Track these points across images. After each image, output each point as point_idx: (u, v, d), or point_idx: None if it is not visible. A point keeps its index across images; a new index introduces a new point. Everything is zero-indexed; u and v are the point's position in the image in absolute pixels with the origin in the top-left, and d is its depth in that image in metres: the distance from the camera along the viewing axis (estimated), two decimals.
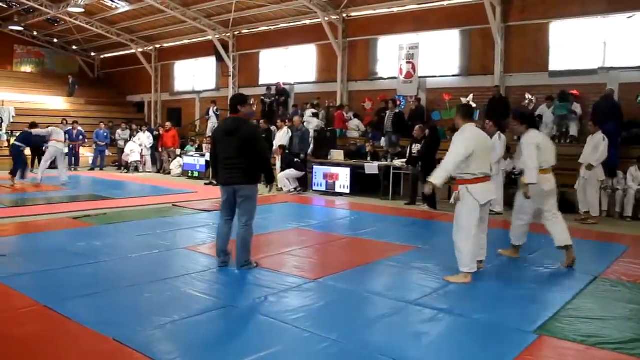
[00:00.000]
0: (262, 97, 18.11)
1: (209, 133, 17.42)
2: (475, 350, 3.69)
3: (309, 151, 13.94)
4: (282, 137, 13.85)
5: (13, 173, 12.93)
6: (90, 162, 18.90)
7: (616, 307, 4.62)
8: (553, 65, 13.26)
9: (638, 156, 10.30)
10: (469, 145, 5.17)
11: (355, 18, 17.02)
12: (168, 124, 18.61)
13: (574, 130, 12.41)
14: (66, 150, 15.44)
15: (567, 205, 10.23)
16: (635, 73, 12.04)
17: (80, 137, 18.56)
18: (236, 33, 20.28)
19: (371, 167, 12.19)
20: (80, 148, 18.89)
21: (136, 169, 17.82)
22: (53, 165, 13.54)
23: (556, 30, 13.30)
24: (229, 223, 5.67)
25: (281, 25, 18.82)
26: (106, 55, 26.83)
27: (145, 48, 23.71)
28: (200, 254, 6.29)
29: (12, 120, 20.07)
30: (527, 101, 13.46)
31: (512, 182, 10.64)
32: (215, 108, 18.68)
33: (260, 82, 19.61)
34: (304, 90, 18.39)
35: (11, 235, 7.19)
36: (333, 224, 8.98)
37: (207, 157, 14.95)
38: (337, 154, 13.53)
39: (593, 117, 10.65)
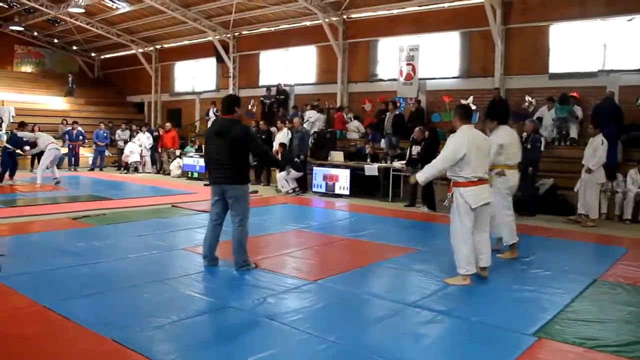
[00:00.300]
0: (262, 98, 18.12)
1: None
2: (474, 353, 3.69)
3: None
4: (281, 138, 13.85)
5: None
6: (90, 162, 18.89)
7: (615, 309, 4.62)
8: (553, 68, 13.28)
9: (638, 159, 10.31)
10: (460, 149, 5.12)
11: (355, 19, 17.03)
12: (168, 124, 18.60)
13: (574, 132, 12.42)
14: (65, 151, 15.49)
15: (568, 207, 10.27)
16: (635, 76, 12.05)
17: (80, 137, 18.54)
18: (236, 34, 20.28)
19: (371, 169, 12.19)
20: (80, 148, 18.86)
21: (136, 170, 17.82)
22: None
23: (556, 33, 13.31)
24: (217, 228, 5.65)
25: (281, 27, 18.83)
26: (106, 56, 26.83)
27: (146, 49, 23.72)
28: (200, 254, 6.26)
29: (12, 121, 20.05)
30: (527, 103, 13.46)
31: None
32: (215, 109, 18.67)
33: (260, 83, 19.62)
34: (304, 91, 18.39)
35: (10, 235, 7.19)
36: (332, 226, 8.97)
37: None
38: (337, 156, 13.53)
39: (593, 119, 10.66)
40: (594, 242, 7.96)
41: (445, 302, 4.70)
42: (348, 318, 4.31)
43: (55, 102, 23.16)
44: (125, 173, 17.66)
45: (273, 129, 15.25)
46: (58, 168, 14.03)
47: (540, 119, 12.47)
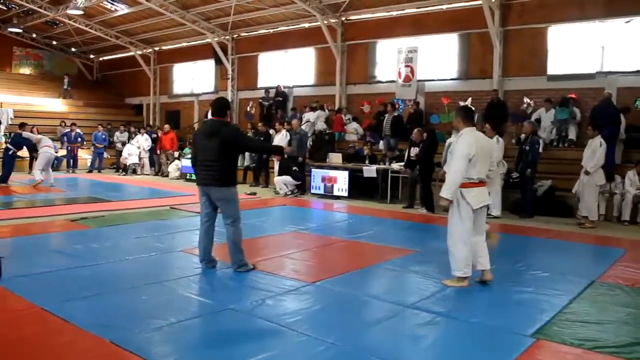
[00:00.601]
0: (261, 100, 18.13)
1: None
2: (472, 354, 3.69)
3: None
4: (280, 140, 13.85)
5: (4, 180, 13.03)
6: (89, 164, 18.89)
7: (613, 310, 4.62)
8: (551, 70, 13.30)
9: (637, 160, 10.32)
10: (471, 147, 5.12)
11: (354, 21, 17.05)
12: (166, 126, 18.61)
13: (572, 134, 12.45)
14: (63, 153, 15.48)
15: (566, 209, 10.28)
16: (633, 77, 12.08)
17: (79, 139, 18.55)
18: (235, 36, 20.29)
19: (369, 171, 12.20)
20: (79, 150, 18.86)
21: (134, 172, 17.83)
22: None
23: (554, 35, 13.33)
24: (209, 229, 5.65)
25: (280, 28, 18.85)
26: (105, 58, 26.81)
27: (144, 50, 23.72)
28: (198, 256, 6.27)
29: (10, 122, 20.06)
30: (525, 105, 13.49)
31: (509, 186, 10.67)
32: None
33: (259, 85, 19.62)
34: (302, 93, 18.41)
35: (8, 237, 7.17)
36: (331, 227, 8.97)
37: None
38: (336, 157, 13.54)
39: (591, 120, 10.68)
40: (592, 243, 7.97)
41: (443, 304, 4.70)
42: (347, 320, 4.31)
43: (53, 104, 23.15)
44: (124, 175, 17.67)
45: (272, 131, 15.25)
46: (56, 170, 14.00)
47: (538, 121, 12.50)
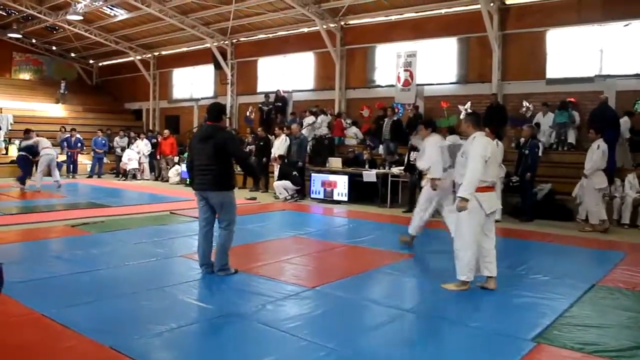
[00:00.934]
0: (260, 105, 18.14)
1: None
2: (472, 359, 3.69)
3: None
4: (280, 145, 13.86)
5: (22, 180, 13.31)
6: (88, 169, 18.90)
7: (614, 314, 4.62)
8: (550, 73, 13.33)
9: (637, 163, 10.32)
10: (486, 153, 5.13)
11: (353, 26, 17.08)
12: (166, 131, 18.60)
13: (572, 138, 12.47)
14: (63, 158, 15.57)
15: (566, 212, 10.27)
16: (632, 80, 12.11)
17: (79, 144, 18.56)
18: (234, 41, 20.33)
19: (369, 175, 12.19)
20: (79, 155, 18.87)
21: (134, 177, 17.82)
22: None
23: (553, 38, 13.37)
24: (207, 234, 5.67)
25: (279, 33, 18.88)
26: (104, 63, 26.86)
27: (144, 55, 23.75)
28: (197, 261, 6.26)
29: (10, 128, 20.10)
30: (524, 109, 13.51)
31: (509, 190, 10.66)
32: None
33: (259, 90, 19.64)
34: (302, 98, 18.43)
35: (8, 243, 7.16)
36: (331, 232, 8.97)
37: None
38: (335, 162, 13.54)
39: (590, 124, 10.69)
40: (592, 247, 7.95)
41: (443, 308, 4.70)
42: (347, 324, 4.30)
43: (53, 110, 23.19)
44: (124, 180, 17.66)
45: (272, 137, 15.24)
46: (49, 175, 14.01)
47: (538, 125, 12.51)
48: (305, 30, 17.95)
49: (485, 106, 13.50)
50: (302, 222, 9.91)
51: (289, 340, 3.89)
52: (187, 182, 16.13)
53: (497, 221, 9.51)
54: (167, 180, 17.38)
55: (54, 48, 25.65)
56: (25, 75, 25.83)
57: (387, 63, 16.32)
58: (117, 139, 19.35)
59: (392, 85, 15.98)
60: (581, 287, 5.41)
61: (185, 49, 22.24)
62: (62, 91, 23.77)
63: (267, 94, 18.19)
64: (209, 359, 3.61)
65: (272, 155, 13.97)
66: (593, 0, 12.56)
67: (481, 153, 5.11)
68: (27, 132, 14.03)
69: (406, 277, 5.80)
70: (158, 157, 18.22)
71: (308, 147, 14.53)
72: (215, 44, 20.17)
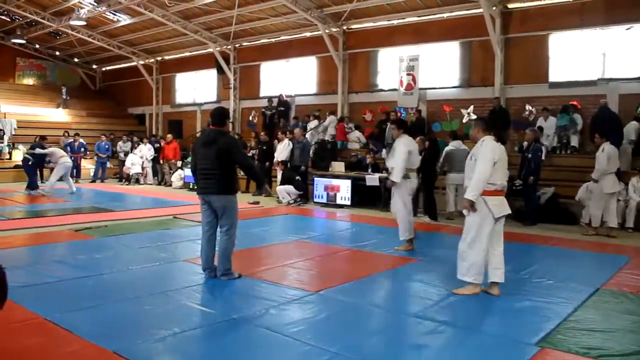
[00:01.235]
0: (263, 110, 18.17)
1: None
2: None
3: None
4: (283, 149, 13.87)
5: (31, 187, 13.62)
6: (92, 174, 18.92)
7: (618, 318, 4.60)
8: (553, 77, 13.33)
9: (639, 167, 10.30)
10: (494, 156, 5.13)
11: (355, 30, 17.12)
12: (169, 136, 18.62)
13: (574, 141, 12.45)
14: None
15: (569, 216, 10.24)
16: (635, 84, 12.10)
17: (82, 149, 18.59)
18: (237, 45, 20.39)
19: (372, 179, 12.19)
20: (82, 160, 18.91)
21: (137, 181, 17.85)
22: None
23: (556, 42, 13.38)
24: (210, 238, 5.67)
25: (282, 38, 18.94)
26: (107, 68, 26.96)
27: (147, 60, 23.84)
28: (201, 265, 6.26)
29: (13, 133, 20.16)
30: (527, 112, 13.51)
31: (512, 193, 10.62)
32: None
33: (261, 94, 19.69)
34: (304, 102, 18.45)
35: (12, 247, 7.17)
36: (334, 236, 8.96)
37: None
38: (338, 166, 13.54)
39: (592, 128, 10.66)
40: (596, 250, 7.93)
41: (447, 313, 4.68)
42: (350, 329, 4.29)
43: (56, 114, 23.28)
44: (127, 185, 17.69)
45: (275, 141, 15.26)
46: (61, 181, 14.15)
47: (541, 128, 12.49)
48: (308, 34, 18.00)
49: (488, 110, 13.50)
50: (305, 226, 9.90)
51: (292, 345, 3.88)
52: (191, 187, 16.29)
53: None
54: (170, 185, 17.39)
55: (57, 53, 25.78)
56: (29, 81, 25.93)
57: (390, 67, 16.34)
58: (120, 143, 19.39)
59: (394, 89, 15.99)
60: (585, 291, 5.39)
61: (188, 54, 22.32)
62: (64, 97, 23.86)
63: (269, 99, 18.23)
64: None
65: (275, 159, 13.99)
66: (595, 4, 12.57)
67: (490, 156, 5.12)
68: (43, 138, 14.33)
69: (410, 281, 5.79)
70: (161, 161, 18.23)
71: (311, 152, 14.54)
72: (217, 48, 20.23)
